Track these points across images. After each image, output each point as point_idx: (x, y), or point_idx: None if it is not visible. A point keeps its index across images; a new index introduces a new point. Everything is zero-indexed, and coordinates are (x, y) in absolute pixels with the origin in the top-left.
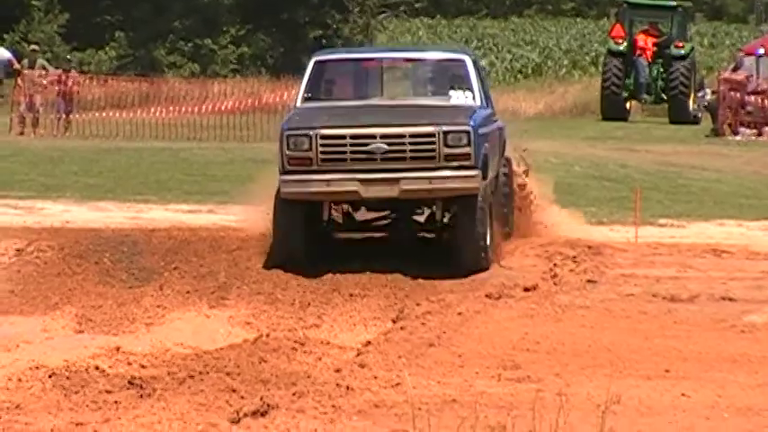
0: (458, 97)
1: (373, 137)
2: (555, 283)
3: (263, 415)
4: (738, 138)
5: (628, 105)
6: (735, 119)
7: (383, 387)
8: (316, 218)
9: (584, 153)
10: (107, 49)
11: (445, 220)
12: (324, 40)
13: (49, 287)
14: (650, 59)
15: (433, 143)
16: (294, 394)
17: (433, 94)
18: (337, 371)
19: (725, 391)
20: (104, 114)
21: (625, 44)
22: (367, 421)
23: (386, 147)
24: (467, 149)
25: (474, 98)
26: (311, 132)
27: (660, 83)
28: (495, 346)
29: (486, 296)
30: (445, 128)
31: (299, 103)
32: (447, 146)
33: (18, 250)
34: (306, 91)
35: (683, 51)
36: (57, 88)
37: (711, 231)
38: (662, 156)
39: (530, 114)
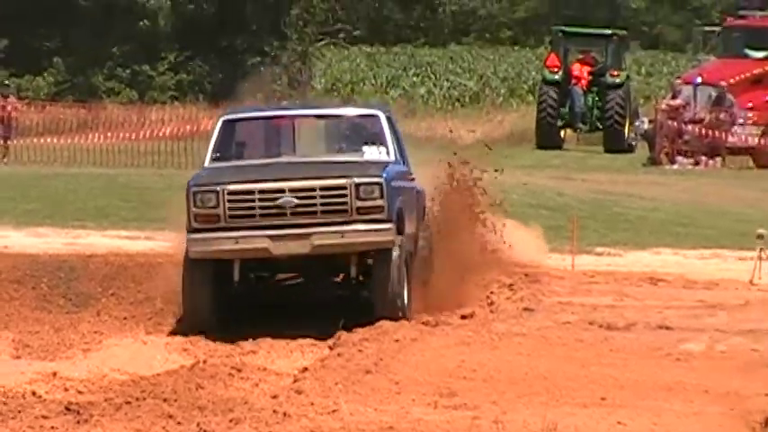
0: (371, 153)
1: (282, 191)
2: (492, 311)
3: None
4: (675, 167)
5: (562, 134)
6: (672, 147)
7: (320, 414)
8: (227, 279)
9: (521, 181)
10: (45, 75)
11: (361, 278)
12: (262, 68)
13: None
14: (585, 88)
15: (345, 196)
16: (231, 420)
17: (347, 150)
18: (274, 397)
19: (661, 420)
20: (42, 140)
21: (560, 73)
22: None
23: (296, 201)
24: (379, 202)
25: (388, 153)
26: (218, 188)
27: (596, 111)
28: (431, 373)
29: (423, 323)
30: (357, 179)
31: (206, 164)
32: (359, 198)
33: None
34: (214, 151)
35: (618, 80)
36: None
37: (648, 260)
38: (598, 184)
39: (467, 142)
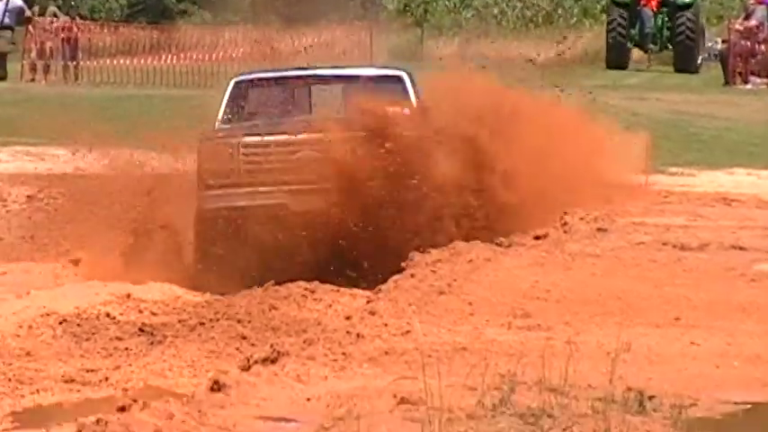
0: None
1: (301, 144)
2: (565, 232)
3: (273, 362)
4: (749, 86)
5: (632, 54)
6: (745, 67)
7: (393, 335)
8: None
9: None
10: None
11: None
12: None
13: (60, 234)
14: (655, 9)
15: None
16: (304, 341)
17: None
18: (347, 318)
19: (734, 340)
20: (115, 61)
21: None
22: (377, 368)
23: (317, 154)
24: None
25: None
26: (233, 141)
27: (665, 32)
28: (505, 294)
29: (497, 244)
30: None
31: (217, 126)
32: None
33: (29, 197)
34: (225, 113)
35: (687, 0)
36: (61, 36)
37: (722, 180)
38: (672, 104)
39: (541, 63)
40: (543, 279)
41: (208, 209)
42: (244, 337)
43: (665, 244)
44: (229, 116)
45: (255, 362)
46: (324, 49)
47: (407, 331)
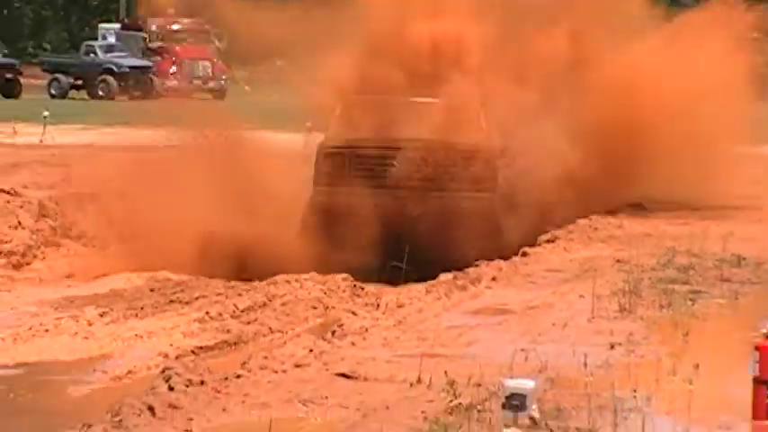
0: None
1: (394, 157)
2: None
3: (552, 242)
4: None
5: None
6: None
7: (613, 227)
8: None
9: None
10: None
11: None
12: None
13: None
14: None
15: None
16: (569, 231)
17: None
18: (589, 219)
19: None
20: None
21: None
22: (605, 245)
23: (404, 167)
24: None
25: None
26: (345, 151)
27: None
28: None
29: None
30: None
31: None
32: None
33: None
34: (333, 127)
35: None
36: None
37: None
38: None
39: None
40: None
41: (318, 200)
42: None
43: None
44: (337, 129)
45: (542, 242)
46: None
47: (620, 226)
